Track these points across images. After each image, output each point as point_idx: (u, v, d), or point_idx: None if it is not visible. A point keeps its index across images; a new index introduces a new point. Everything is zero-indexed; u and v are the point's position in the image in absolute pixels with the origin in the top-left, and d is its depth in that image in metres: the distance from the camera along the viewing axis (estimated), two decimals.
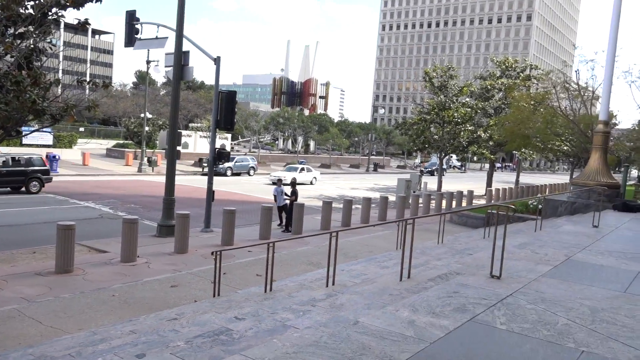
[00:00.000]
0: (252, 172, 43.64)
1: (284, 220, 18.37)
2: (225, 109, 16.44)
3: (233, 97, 16.72)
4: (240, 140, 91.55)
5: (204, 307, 7.99)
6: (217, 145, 18.34)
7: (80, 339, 6.14)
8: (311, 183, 38.64)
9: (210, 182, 16.71)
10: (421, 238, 17.75)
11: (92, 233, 15.71)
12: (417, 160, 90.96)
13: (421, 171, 49.59)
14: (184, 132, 53.60)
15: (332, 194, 33.27)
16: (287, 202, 18.21)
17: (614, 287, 6.64)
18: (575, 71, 24.83)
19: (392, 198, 28.57)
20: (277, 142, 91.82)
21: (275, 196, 18.62)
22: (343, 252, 14.69)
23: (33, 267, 11.46)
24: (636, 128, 29.50)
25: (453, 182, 53.01)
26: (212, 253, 9.38)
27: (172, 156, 15.99)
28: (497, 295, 5.85)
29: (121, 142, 55.43)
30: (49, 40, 9.13)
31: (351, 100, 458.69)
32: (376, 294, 6.27)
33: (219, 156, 16.81)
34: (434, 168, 64.03)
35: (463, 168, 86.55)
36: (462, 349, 4.36)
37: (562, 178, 69.71)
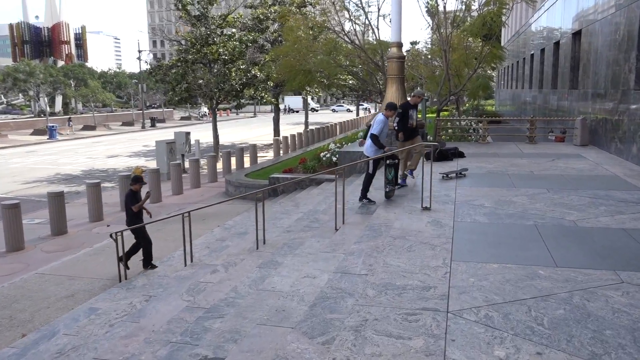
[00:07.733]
0: None
1: None
2: None
3: None
4: None
5: None
6: None
7: None
8: None
9: None
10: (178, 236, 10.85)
11: None
12: (205, 109, 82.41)
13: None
14: None
15: (76, 170, 24.80)
16: None
17: None
18: None
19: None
20: (31, 104, 74.86)
21: None
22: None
23: None
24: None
25: (239, 130, 47.55)
26: None
27: None
28: None
29: None
30: None
31: (130, 50, 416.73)
32: None
33: None
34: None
35: (253, 113, 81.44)
36: None
37: (349, 115, 69.51)
